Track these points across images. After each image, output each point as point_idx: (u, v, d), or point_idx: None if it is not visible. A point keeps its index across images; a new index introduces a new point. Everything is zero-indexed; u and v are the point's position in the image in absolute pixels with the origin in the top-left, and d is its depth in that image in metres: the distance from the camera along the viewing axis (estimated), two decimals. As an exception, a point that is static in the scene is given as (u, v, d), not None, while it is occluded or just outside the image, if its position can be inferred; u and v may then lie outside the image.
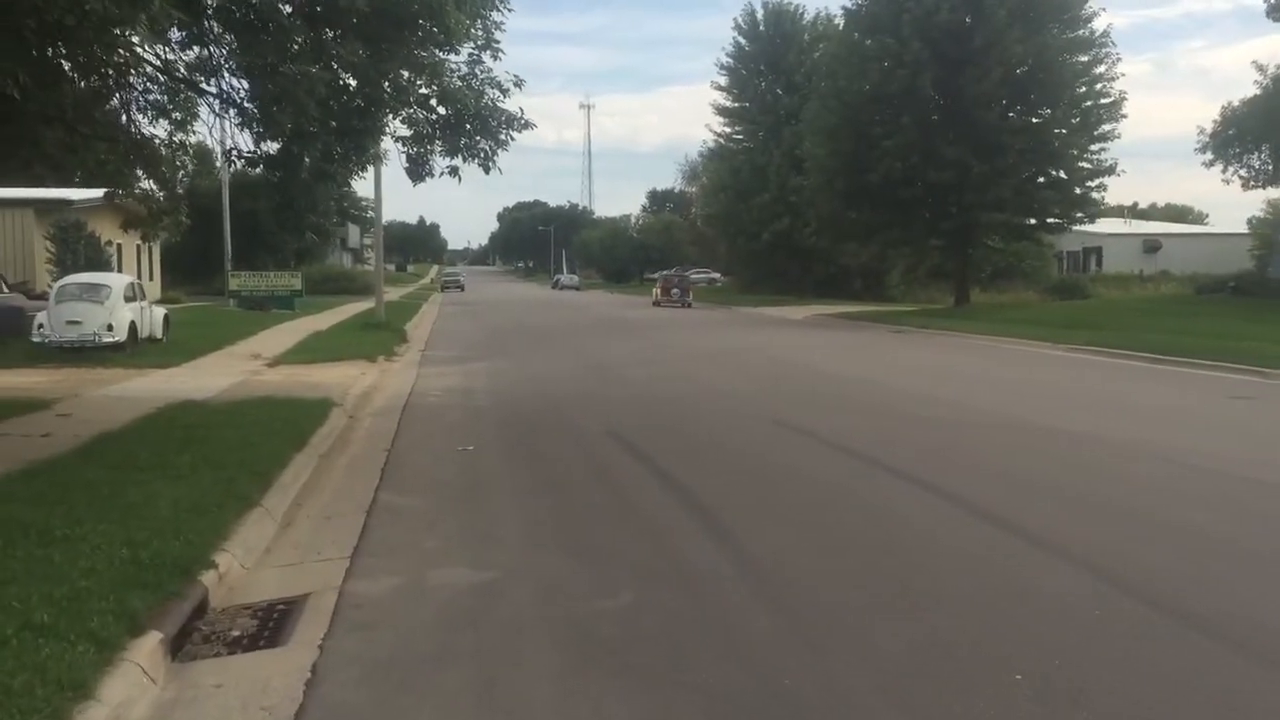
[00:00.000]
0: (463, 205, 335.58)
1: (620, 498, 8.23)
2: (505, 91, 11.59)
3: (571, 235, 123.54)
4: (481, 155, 11.40)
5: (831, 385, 16.40)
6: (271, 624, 5.46)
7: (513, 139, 11.77)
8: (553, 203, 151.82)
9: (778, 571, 6.06)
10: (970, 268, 42.45)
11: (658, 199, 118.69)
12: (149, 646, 4.72)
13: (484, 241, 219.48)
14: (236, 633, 5.34)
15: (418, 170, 11.82)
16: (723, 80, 59.87)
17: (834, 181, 39.37)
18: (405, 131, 11.59)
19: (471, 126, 11.42)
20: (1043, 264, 53.03)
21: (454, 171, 11.57)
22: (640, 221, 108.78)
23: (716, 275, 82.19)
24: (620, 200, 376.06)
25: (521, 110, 11.69)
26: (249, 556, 6.54)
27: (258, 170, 11.35)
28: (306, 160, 11.25)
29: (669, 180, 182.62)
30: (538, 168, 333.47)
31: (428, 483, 8.90)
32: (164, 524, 6.45)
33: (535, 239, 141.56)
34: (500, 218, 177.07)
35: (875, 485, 8.71)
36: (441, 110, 11.46)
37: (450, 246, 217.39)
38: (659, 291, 51.86)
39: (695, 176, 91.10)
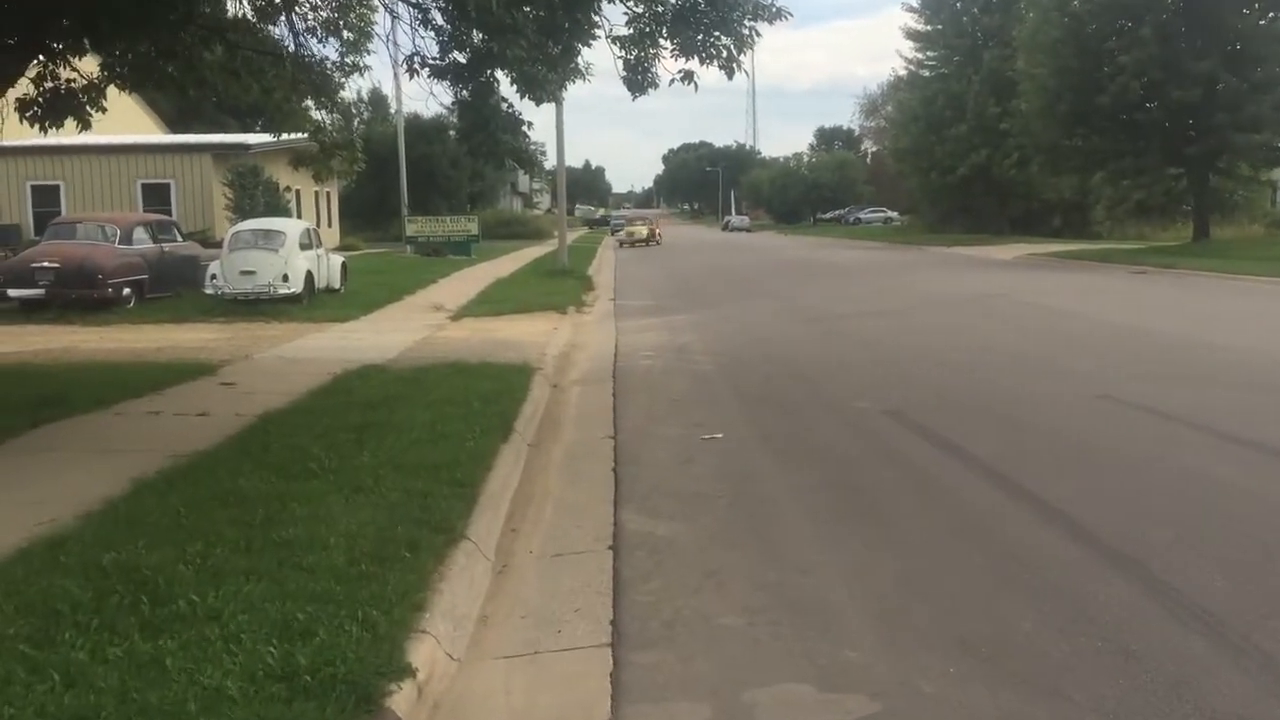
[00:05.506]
0: (626, 149, 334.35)
1: (983, 534, 5.55)
2: (748, -29, 8.97)
3: (738, 176, 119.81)
4: (724, 55, 8.79)
5: (1129, 342, 13.19)
6: (511, 808, 3.17)
7: (759, 35, 9.14)
8: (716, 144, 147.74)
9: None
10: (1210, 198, 37.11)
11: (825, 136, 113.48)
12: None
13: (648, 184, 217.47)
14: (454, 829, 3.07)
15: (638, 79, 9.33)
16: (914, 1, 55.00)
17: (1056, 105, 34.86)
18: (624, 30, 9.10)
19: (709, 20, 8.83)
20: (1256, 195, 46.33)
21: (687, 77, 9.00)
22: (812, 160, 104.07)
23: (893, 214, 77.97)
24: (778, 139, 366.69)
25: (772, -7, 9.04)
26: (458, 637, 4.30)
27: (445, 81, 9.08)
28: (502, 73, 8.96)
29: (830, 118, 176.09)
30: (698, 107, 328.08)
31: (682, 496, 6.46)
32: (335, 583, 4.29)
33: (701, 180, 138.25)
34: (665, 159, 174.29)
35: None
36: (669, -1, 8.92)
37: (614, 190, 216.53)
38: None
39: (874, 110, 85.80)
